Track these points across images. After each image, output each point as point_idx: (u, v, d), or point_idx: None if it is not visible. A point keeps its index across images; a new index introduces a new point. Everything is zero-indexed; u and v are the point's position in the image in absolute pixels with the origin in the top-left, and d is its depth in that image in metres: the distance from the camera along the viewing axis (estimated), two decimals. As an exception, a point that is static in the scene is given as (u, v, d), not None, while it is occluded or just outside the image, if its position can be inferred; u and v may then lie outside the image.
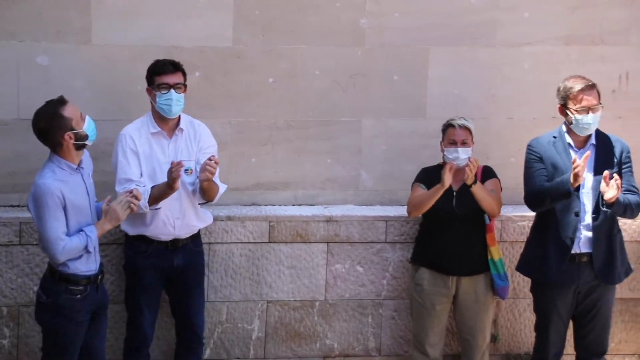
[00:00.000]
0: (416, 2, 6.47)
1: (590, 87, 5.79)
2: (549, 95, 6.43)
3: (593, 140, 5.89)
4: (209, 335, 6.39)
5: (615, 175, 5.69)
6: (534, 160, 5.93)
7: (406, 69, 6.53)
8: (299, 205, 6.58)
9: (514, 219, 6.44)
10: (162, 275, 5.91)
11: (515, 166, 6.45)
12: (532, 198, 5.93)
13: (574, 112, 5.78)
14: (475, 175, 5.98)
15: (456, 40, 6.52)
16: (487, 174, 6.19)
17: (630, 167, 5.93)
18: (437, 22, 6.49)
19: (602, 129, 6.17)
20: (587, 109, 5.76)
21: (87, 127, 5.27)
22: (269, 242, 6.42)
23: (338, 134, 6.56)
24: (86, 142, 5.29)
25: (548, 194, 5.81)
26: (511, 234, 6.48)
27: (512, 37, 6.54)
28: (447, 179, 5.90)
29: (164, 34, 6.25)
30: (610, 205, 5.67)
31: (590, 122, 5.78)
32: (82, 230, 5.27)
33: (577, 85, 5.79)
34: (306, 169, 6.59)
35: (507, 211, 6.46)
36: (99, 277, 5.43)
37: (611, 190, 5.64)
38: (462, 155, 5.97)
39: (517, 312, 6.61)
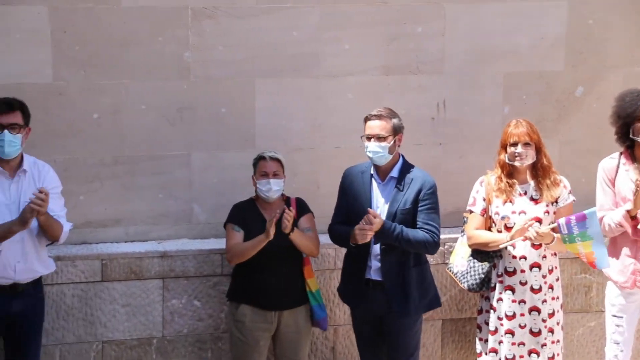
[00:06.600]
0: (239, 36, 6.51)
1: (377, 116, 5.87)
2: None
3: (395, 174, 5.93)
4: (43, 381, 6.12)
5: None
6: (340, 193, 6.04)
7: (233, 101, 6.54)
8: (132, 241, 6.45)
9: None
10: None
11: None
12: (330, 234, 6.06)
13: (364, 140, 5.89)
14: (295, 224, 5.94)
15: (280, 71, 6.59)
16: (301, 208, 6.15)
17: (430, 204, 5.86)
18: (261, 55, 6.54)
19: (423, 156, 6.39)
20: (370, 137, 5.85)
21: None
22: (102, 281, 6.24)
23: (168, 168, 6.49)
24: None
25: (337, 236, 5.99)
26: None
27: (334, 68, 6.67)
28: (272, 231, 5.82)
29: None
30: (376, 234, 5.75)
31: (371, 150, 5.86)
32: None
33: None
34: (137, 204, 6.47)
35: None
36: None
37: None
38: (274, 186, 6.01)
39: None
